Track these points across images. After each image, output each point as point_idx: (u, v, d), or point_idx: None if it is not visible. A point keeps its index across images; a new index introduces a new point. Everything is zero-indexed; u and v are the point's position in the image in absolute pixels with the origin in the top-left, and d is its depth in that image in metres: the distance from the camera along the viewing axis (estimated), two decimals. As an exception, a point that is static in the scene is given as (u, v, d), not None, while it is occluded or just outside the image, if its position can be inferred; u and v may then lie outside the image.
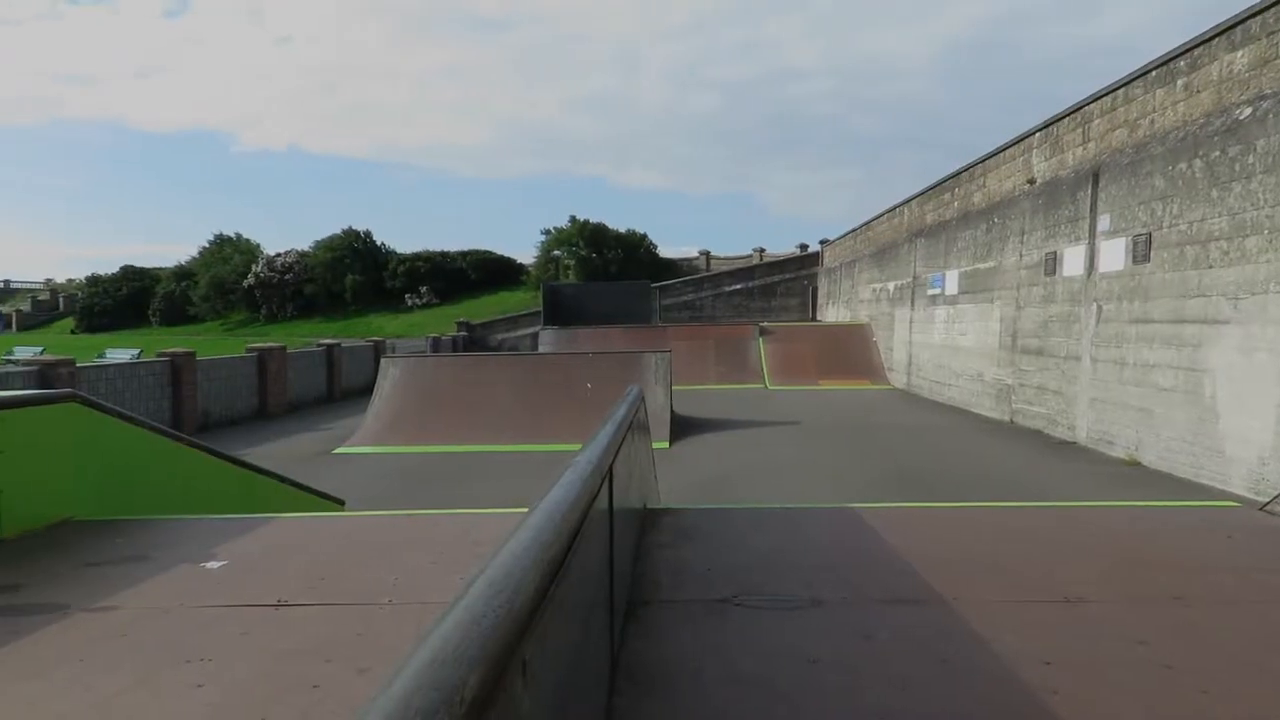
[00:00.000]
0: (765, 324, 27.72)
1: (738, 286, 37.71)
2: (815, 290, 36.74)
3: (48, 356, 16.11)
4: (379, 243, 52.88)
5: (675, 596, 2.99)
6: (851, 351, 24.70)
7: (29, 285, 76.68)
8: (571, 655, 1.49)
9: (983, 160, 17.60)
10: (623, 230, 47.57)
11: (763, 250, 45.12)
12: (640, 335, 26.12)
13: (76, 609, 2.52)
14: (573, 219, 47.22)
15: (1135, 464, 10.76)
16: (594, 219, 47.25)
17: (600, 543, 2.06)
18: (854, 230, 30.58)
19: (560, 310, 33.24)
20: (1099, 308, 12.09)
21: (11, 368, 14.59)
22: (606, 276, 43.00)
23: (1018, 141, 15.81)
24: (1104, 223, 12.08)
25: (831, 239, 35.70)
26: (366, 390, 17.44)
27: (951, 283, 18.56)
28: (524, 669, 0.96)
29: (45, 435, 3.63)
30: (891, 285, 23.58)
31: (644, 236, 48.01)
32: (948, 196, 19.87)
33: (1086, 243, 12.55)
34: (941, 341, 19.10)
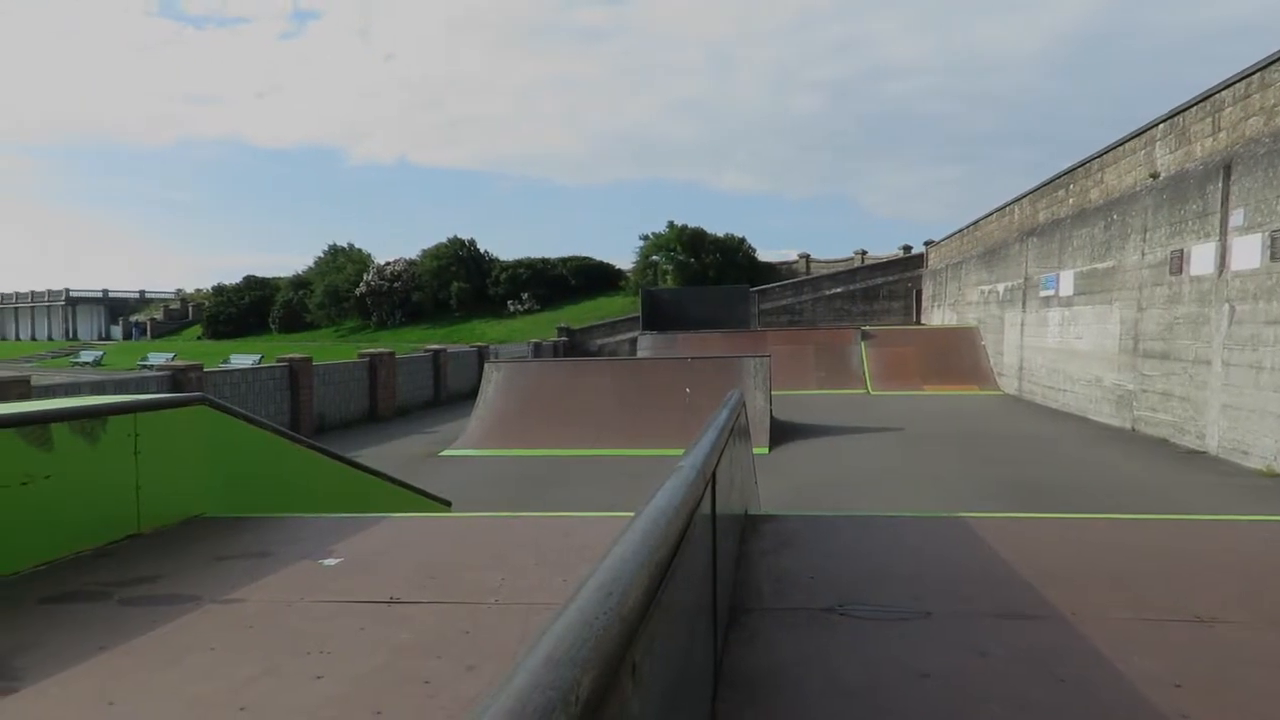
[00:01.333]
0: (867, 328, 27.13)
1: (838, 290, 37.05)
2: (919, 293, 35.75)
3: (178, 362, 17.17)
4: (483, 251, 54.27)
5: (778, 604, 2.95)
6: (958, 356, 23.92)
7: (162, 295, 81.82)
8: (677, 660, 1.49)
9: (1100, 155, 16.78)
10: (721, 234, 47.43)
11: (864, 252, 44.22)
12: (739, 340, 25.96)
13: (208, 600, 2.67)
14: (670, 224, 47.36)
15: (1275, 475, 10.04)
16: (691, 223, 47.29)
17: (704, 548, 2.05)
18: (960, 230, 29.63)
19: (659, 315, 33.36)
20: (1231, 308, 11.35)
21: (146, 372, 15.61)
22: (704, 281, 42.94)
23: (1139, 134, 15.01)
24: (1237, 218, 11.34)
25: (936, 240, 34.69)
26: (471, 394, 17.91)
27: (1066, 283, 17.75)
28: (634, 672, 0.97)
29: (178, 436, 3.87)
30: (1001, 287, 22.73)
31: (742, 240, 47.74)
32: (1062, 193, 19.02)
33: (1217, 240, 11.80)
34: (1056, 345, 18.29)
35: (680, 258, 45.96)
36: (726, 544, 2.84)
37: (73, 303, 79.19)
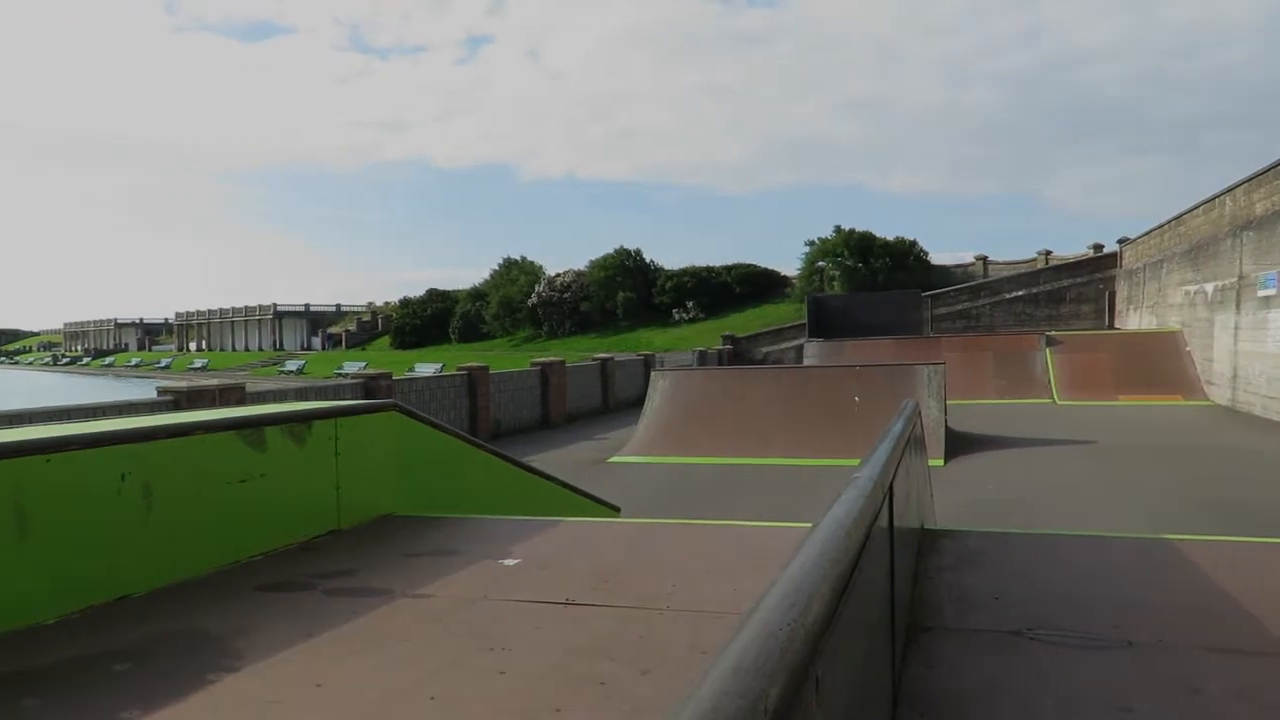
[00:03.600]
0: (1052, 333, 25.44)
1: (1020, 293, 34.95)
2: (1112, 295, 33.16)
3: (369, 370, 18.49)
4: (648, 260, 55.15)
5: (960, 624, 2.81)
6: (1158, 363, 21.97)
7: (354, 308, 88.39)
8: (857, 676, 1.45)
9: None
10: (890, 238, 45.93)
11: (1049, 253, 41.52)
12: (911, 347, 25.01)
13: (399, 594, 2.84)
14: (837, 228, 46.32)
15: None
16: (858, 228, 46.06)
17: (881, 563, 1.98)
18: (1160, 226, 27.26)
19: (825, 322, 32.71)
20: None
21: (342, 380, 16.89)
22: (873, 286, 41.71)
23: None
24: None
25: (1132, 237, 32.06)
26: (637, 402, 18.20)
27: (1289, 282, 15.96)
28: (817, 686, 0.95)
29: (372, 440, 4.15)
30: (1210, 287, 20.71)
31: (913, 243, 46.02)
32: (1282, 183, 17.13)
33: None
34: (1278, 350, 16.46)
35: (847, 263, 44.85)
36: (903, 559, 2.73)
37: (279, 316, 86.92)
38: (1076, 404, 20.03)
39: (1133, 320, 29.71)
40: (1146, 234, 29.37)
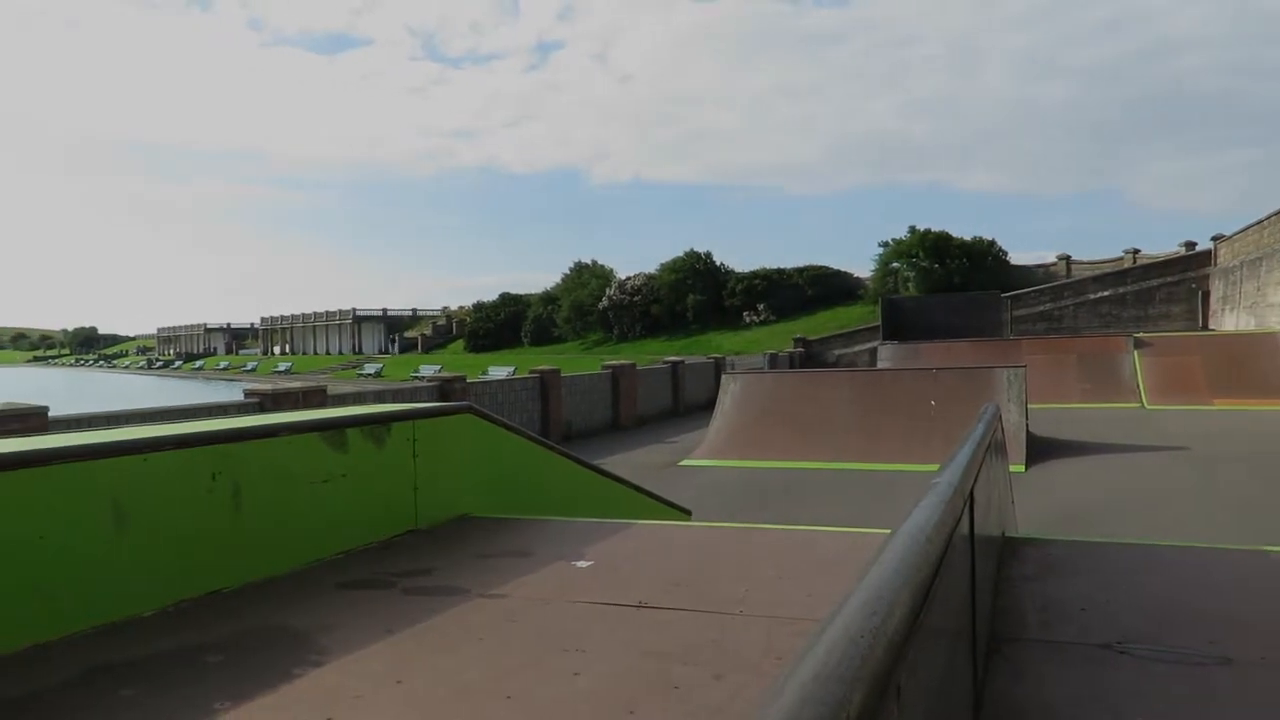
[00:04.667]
0: (1141, 335, 24.45)
1: (1105, 293, 33.71)
2: (1206, 295, 31.72)
3: (445, 373, 18.85)
4: (718, 263, 54.94)
5: (1045, 636, 2.72)
6: (1258, 366, 20.91)
7: (430, 312, 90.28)
8: (938, 686, 1.41)
9: None
10: (967, 238, 44.83)
11: (1136, 251, 39.95)
12: (989, 349, 24.34)
13: (475, 594, 2.89)
14: (912, 229, 45.43)
15: None
16: (934, 228, 45.06)
17: (962, 571, 1.93)
18: (1260, 221, 25.96)
19: (900, 324, 32.13)
20: None
21: (419, 382, 17.28)
22: (950, 288, 40.75)
23: None
24: None
25: (1227, 234, 30.62)
26: (707, 405, 18.14)
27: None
28: (898, 694, 0.93)
29: (448, 442, 4.23)
30: (1312, 286, 19.64)
31: (991, 243, 44.83)
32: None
33: None
34: (1387, 353, 15.52)
35: (923, 264, 43.91)
36: (985, 567, 2.66)
37: (358, 321, 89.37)
38: (1167, 409, 19.21)
39: (1229, 321, 28.35)
40: (1244, 230, 28.01)
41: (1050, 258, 44.32)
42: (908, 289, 43.59)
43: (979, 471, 2.39)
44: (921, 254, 44.15)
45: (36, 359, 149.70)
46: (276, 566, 3.10)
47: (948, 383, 14.21)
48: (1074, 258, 42.97)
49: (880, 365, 25.99)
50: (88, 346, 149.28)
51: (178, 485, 2.83)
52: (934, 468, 2.10)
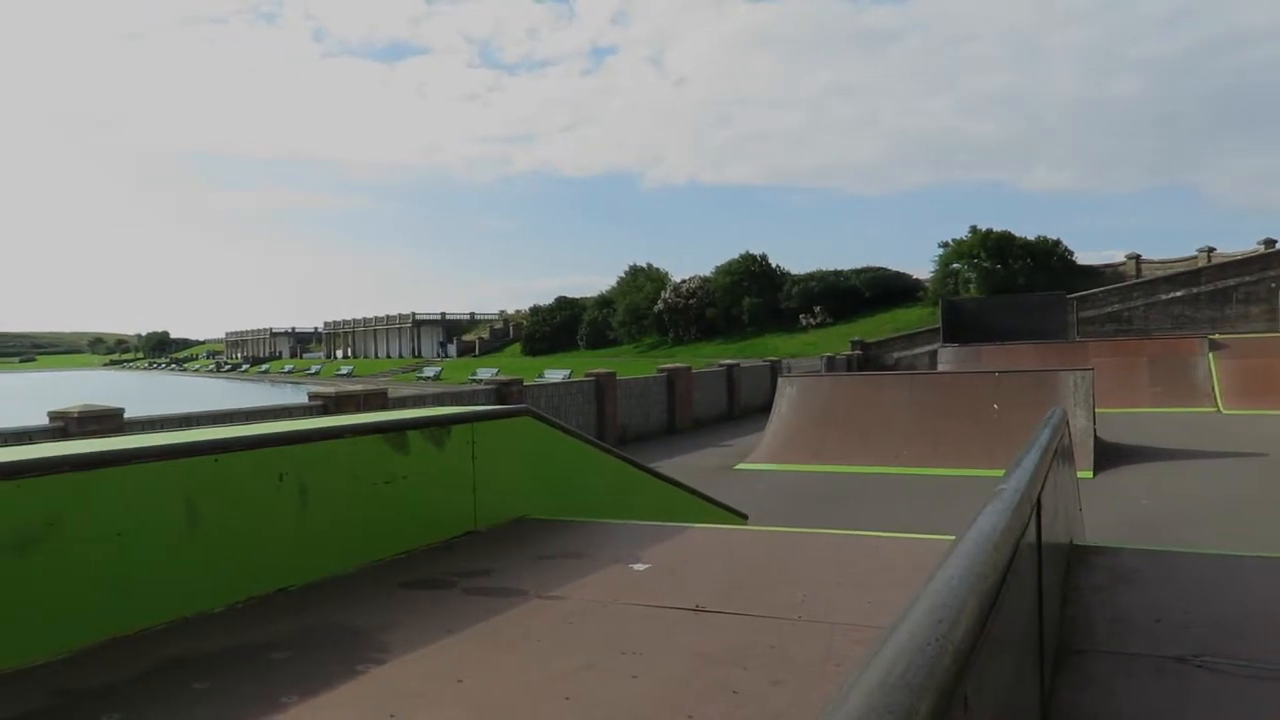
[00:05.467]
0: (1216, 336, 23.57)
1: (1178, 294, 32.57)
2: (1286, 295, 30.45)
3: (502, 377, 19.06)
4: (774, 265, 54.54)
5: (1114, 648, 2.64)
6: (1341, 368, 20.00)
7: (487, 316, 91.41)
8: (1005, 696, 1.38)
9: None
10: (1031, 237, 43.76)
11: (1211, 250, 38.54)
12: (1055, 352, 23.70)
13: (534, 595, 2.91)
14: (973, 229, 44.49)
15: None
16: (996, 227, 44.06)
17: (1029, 579, 1.89)
18: (1341, 219, 24.81)
19: (961, 327, 31.48)
20: None
21: (476, 386, 17.50)
22: (1012, 289, 39.79)
23: None
24: None
25: (1308, 232, 29.33)
26: (763, 408, 18.02)
27: None
28: (965, 703, 0.91)
29: (506, 444, 4.28)
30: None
31: (1056, 243, 43.67)
32: None
33: None
34: None
35: (984, 265, 42.97)
36: (1052, 576, 2.59)
37: (418, 325, 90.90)
38: (1245, 413, 18.47)
39: (1310, 322, 27.17)
40: (1325, 227, 26.81)
41: (1119, 257, 43.02)
42: (969, 290, 42.70)
43: (1046, 477, 2.33)
44: (983, 254, 43.20)
45: (112, 362, 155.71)
46: (340, 565, 3.17)
47: (1011, 386, 13.88)
48: (1144, 257, 41.63)
49: (941, 368, 25.51)
50: (160, 350, 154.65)
51: (247, 485, 2.92)
52: (997, 473, 2.05)
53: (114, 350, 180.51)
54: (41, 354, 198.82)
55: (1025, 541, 1.72)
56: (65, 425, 9.04)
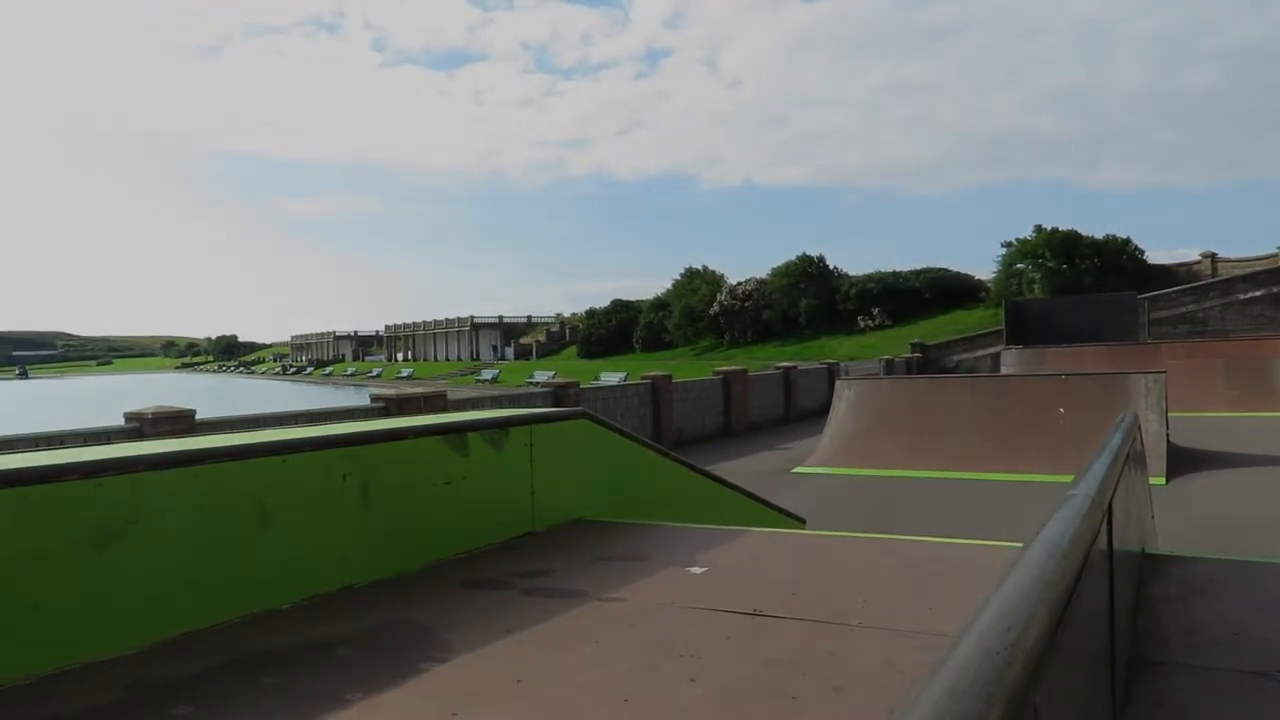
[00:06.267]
0: (1297, 337, 22.62)
1: (1257, 293, 31.30)
2: (1373, 294, 29.05)
3: (558, 379, 19.20)
4: (831, 267, 54.01)
5: (1191, 661, 2.54)
6: None
7: (543, 319, 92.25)
8: (1075, 708, 1.34)
9: None
10: (1099, 236, 42.55)
11: (1292, 248, 36.98)
12: (1124, 354, 23.00)
13: (592, 596, 2.93)
14: (1038, 228, 43.44)
15: None
16: (1061, 226, 42.94)
17: (1100, 588, 1.83)
18: None
19: (1025, 328, 30.75)
20: None
21: (533, 388, 17.67)
22: (1079, 289, 38.72)
23: None
24: None
25: (1398, 228, 27.95)
26: (820, 411, 17.83)
27: None
28: (1035, 714, 0.89)
29: (564, 446, 4.30)
30: None
31: (1126, 241, 42.42)
32: None
33: None
34: None
35: (1049, 265, 41.91)
36: (1124, 586, 2.51)
37: (475, 328, 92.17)
38: (1328, 418, 17.69)
39: (1400, 322, 25.88)
40: None
41: (1193, 256, 41.59)
42: (1033, 291, 41.69)
43: (1117, 483, 2.26)
44: (1048, 254, 42.14)
45: (184, 365, 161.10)
46: (403, 564, 3.23)
47: (1078, 389, 13.51)
48: (1220, 255, 40.15)
49: (1004, 371, 24.94)
50: (229, 353, 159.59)
51: (312, 485, 2.99)
52: (1062, 479, 2.00)
53: (185, 353, 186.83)
54: (118, 357, 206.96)
55: (1096, 549, 1.67)
56: (140, 426, 9.38)
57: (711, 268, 62.94)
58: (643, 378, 18.48)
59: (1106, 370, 16.40)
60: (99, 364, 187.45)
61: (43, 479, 2.30)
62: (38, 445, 8.17)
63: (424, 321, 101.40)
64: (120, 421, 9.65)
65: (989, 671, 0.79)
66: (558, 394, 15.25)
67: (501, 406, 13.00)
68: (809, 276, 53.10)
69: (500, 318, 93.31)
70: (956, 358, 33.80)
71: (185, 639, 2.49)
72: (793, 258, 54.69)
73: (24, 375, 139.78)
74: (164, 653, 2.39)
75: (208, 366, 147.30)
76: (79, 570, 2.34)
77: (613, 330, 67.07)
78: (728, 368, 21.16)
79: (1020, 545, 1.37)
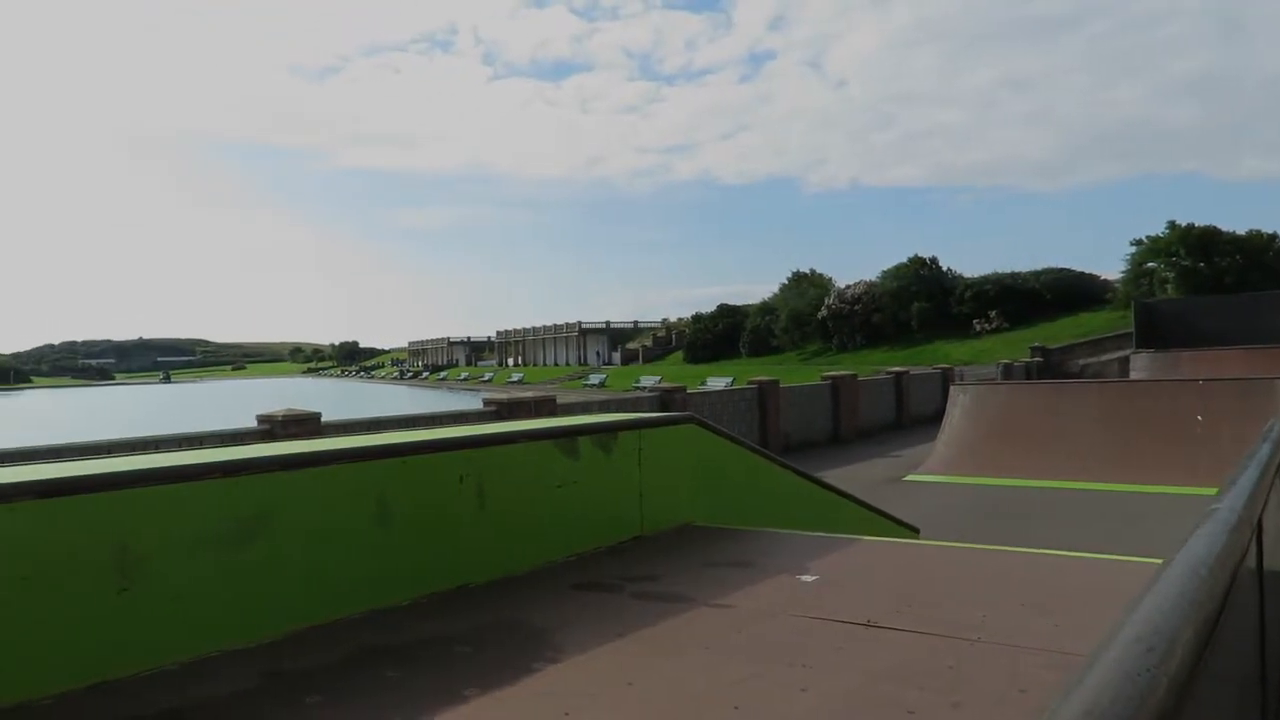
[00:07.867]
0: None
1: None
2: None
3: (665, 384, 19.28)
4: (944, 269, 52.37)
5: None
6: None
7: (650, 324, 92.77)
8: (1223, 738, 1.25)
9: None
10: (1240, 232, 39.81)
11: None
12: (1269, 358, 21.41)
13: (700, 602, 2.92)
14: (1172, 224, 40.98)
15: None
16: (1197, 222, 40.35)
17: (1250, 610, 1.71)
18: None
19: (1157, 331, 29.02)
20: None
21: (640, 393, 17.79)
22: (1218, 289, 36.30)
23: None
24: None
25: None
26: (934, 418, 17.29)
27: None
28: None
29: (672, 451, 4.31)
30: None
31: (1272, 237, 39.57)
32: None
33: None
34: None
35: (1184, 263, 39.46)
36: (1275, 608, 2.34)
37: (583, 333, 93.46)
38: None
39: None
40: None
41: (1348, 251, 38.38)
42: (1166, 291, 39.31)
43: (1268, 497, 2.11)
44: (1183, 252, 39.68)
45: (309, 370, 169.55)
46: (515, 565, 3.30)
47: (1217, 396, 12.64)
48: (1380, 251, 36.92)
49: (1134, 376, 23.61)
50: (350, 359, 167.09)
51: (431, 486, 3.09)
52: (1199, 491, 1.88)
53: (310, 359, 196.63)
54: (250, 362, 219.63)
55: (1244, 567, 1.56)
56: (271, 427, 9.91)
57: (819, 271, 62.09)
58: (749, 383, 18.34)
59: (1249, 375, 15.28)
60: (233, 369, 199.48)
61: (185, 477, 2.46)
62: (180, 446, 8.74)
63: (533, 327, 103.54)
64: (253, 423, 10.22)
65: (1130, 693, 0.74)
66: (664, 399, 15.30)
67: (609, 411, 13.15)
68: (921, 278, 51.64)
69: (607, 323, 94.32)
70: (1081, 362, 32.18)
71: (313, 632, 2.61)
72: (903, 259, 53.41)
73: (167, 380, 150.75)
74: (294, 645, 2.52)
75: (331, 371, 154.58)
76: (218, 563, 2.49)
77: (719, 335, 66.85)
78: (836, 373, 20.77)
79: (1158, 561, 1.30)
